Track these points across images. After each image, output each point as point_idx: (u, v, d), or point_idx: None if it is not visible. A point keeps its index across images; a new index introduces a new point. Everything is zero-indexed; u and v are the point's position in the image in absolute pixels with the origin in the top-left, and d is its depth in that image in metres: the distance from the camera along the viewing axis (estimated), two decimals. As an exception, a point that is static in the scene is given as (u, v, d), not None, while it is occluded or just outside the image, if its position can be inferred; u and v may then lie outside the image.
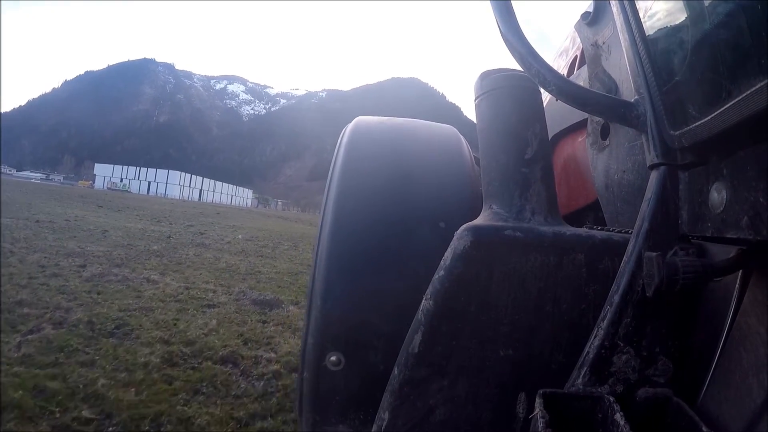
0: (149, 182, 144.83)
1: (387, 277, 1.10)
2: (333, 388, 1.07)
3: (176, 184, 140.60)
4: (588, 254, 0.92)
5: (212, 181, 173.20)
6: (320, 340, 1.06)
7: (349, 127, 1.41)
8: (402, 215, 1.16)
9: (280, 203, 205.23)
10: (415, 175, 1.24)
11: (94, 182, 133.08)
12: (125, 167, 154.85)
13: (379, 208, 1.17)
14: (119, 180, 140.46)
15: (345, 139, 1.33)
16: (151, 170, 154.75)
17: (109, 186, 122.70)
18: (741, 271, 0.81)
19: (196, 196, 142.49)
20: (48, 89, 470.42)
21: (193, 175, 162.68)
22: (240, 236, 13.56)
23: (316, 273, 1.10)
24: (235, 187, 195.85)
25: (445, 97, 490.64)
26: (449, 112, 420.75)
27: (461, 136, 1.48)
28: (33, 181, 79.87)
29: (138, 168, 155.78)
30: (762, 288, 0.76)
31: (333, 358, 1.05)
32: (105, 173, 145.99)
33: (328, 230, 1.13)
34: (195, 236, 12.21)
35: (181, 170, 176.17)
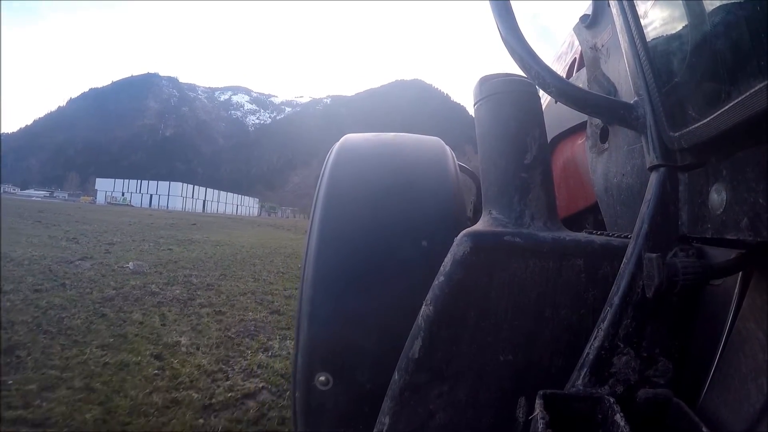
0: (151, 195, 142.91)
1: (370, 297, 1.10)
2: (323, 406, 1.08)
3: (178, 196, 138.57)
4: (587, 260, 0.92)
5: (216, 192, 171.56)
6: (309, 361, 1.07)
7: (336, 146, 1.41)
8: (385, 235, 1.16)
9: (289, 211, 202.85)
10: (400, 193, 1.24)
11: (96, 197, 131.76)
12: (127, 181, 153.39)
13: (362, 228, 1.17)
14: (120, 194, 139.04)
15: (330, 159, 1.34)
16: (153, 183, 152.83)
17: (109, 200, 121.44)
18: (741, 272, 0.81)
19: (199, 207, 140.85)
20: (53, 107, 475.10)
21: (195, 186, 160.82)
22: (131, 265, 8.10)
23: (303, 294, 1.12)
24: (240, 196, 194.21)
25: (449, 98, 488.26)
26: (454, 113, 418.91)
27: (447, 149, 1.46)
28: (34, 198, 77.79)
29: (139, 181, 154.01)
30: (762, 289, 0.76)
31: (322, 378, 1.06)
32: (106, 188, 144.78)
33: (314, 253, 1.13)
34: (39, 275, 6.59)
35: (189, 182, 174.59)
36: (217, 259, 10.83)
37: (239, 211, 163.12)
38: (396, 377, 0.92)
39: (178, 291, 6.64)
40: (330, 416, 1.08)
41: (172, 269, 8.52)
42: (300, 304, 1.11)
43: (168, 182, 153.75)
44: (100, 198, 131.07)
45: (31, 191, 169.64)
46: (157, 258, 9.80)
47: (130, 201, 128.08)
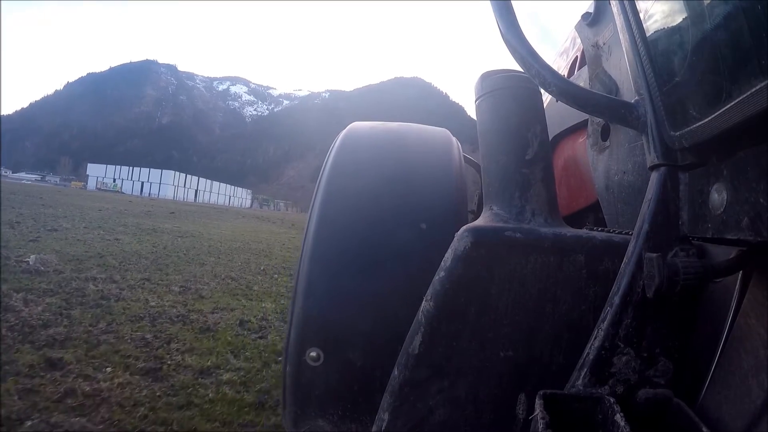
0: (142, 182, 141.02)
1: (366, 277, 1.11)
2: (312, 383, 1.08)
3: (170, 184, 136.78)
4: (588, 255, 0.92)
5: (209, 181, 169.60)
6: (301, 336, 1.07)
7: (342, 132, 1.43)
8: (383, 217, 1.17)
9: (282, 204, 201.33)
10: (400, 178, 1.24)
11: (87, 183, 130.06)
12: (118, 167, 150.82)
13: (362, 210, 1.18)
14: (111, 180, 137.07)
15: (336, 144, 1.35)
16: (145, 170, 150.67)
17: (99, 186, 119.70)
18: (741, 272, 0.81)
19: (191, 197, 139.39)
20: (50, 91, 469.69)
21: (188, 175, 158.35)
22: (31, 260, 6.08)
23: (300, 272, 1.12)
24: (233, 187, 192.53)
25: (448, 97, 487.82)
26: (452, 112, 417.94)
27: (453, 139, 1.46)
28: (24, 182, 76.31)
29: (131, 168, 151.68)
30: (762, 289, 0.77)
31: (313, 354, 1.06)
32: (98, 173, 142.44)
33: (313, 231, 1.14)
34: None
35: (185, 171, 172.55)
36: (162, 254, 8.71)
37: (231, 202, 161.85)
38: (396, 373, 0.92)
39: (41, 308, 4.23)
40: (319, 392, 1.08)
41: (84, 267, 6.35)
42: (296, 281, 1.12)
43: (160, 170, 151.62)
44: (91, 184, 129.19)
45: (23, 174, 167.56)
46: (84, 250, 7.71)
47: (121, 188, 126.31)
